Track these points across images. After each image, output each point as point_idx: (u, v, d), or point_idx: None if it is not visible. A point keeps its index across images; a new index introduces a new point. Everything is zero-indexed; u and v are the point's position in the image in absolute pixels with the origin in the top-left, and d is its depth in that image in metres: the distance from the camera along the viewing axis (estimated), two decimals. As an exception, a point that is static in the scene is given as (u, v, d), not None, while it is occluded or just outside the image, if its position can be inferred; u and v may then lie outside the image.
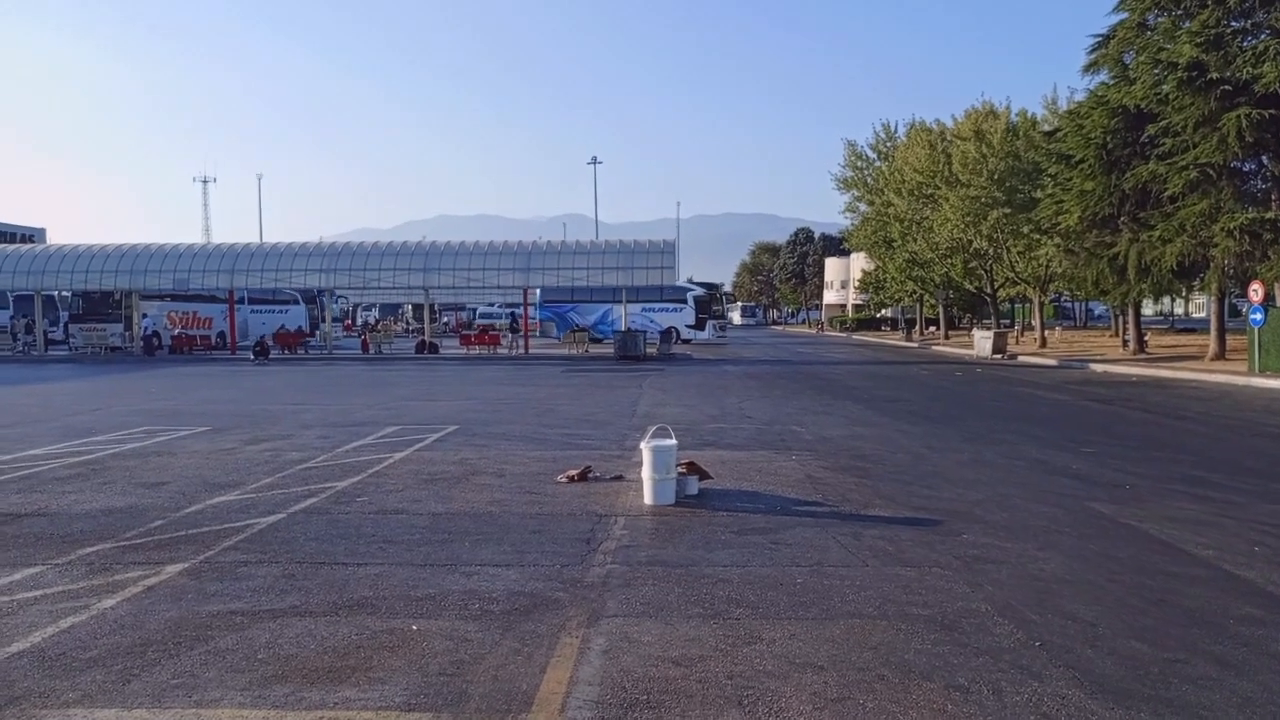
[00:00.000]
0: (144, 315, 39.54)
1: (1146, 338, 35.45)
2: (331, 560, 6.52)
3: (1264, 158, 26.21)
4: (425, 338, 41.12)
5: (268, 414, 16.15)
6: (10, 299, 44.12)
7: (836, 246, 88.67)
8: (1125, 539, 7.14)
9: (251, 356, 35.29)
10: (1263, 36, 24.93)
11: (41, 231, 72.61)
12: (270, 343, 38.06)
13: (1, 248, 41.89)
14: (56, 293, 41.71)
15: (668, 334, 40.73)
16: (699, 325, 50.56)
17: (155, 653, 4.75)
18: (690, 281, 59.89)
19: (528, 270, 37.71)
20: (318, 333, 46.48)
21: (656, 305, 50.38)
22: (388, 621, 5.23)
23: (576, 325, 49.43)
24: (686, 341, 48.81)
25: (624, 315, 46.99)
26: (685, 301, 51.12)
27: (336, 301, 57.14)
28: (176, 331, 41.26)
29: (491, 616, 5.30)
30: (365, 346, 40.54)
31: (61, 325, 42.74)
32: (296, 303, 48.95)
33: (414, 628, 5.12)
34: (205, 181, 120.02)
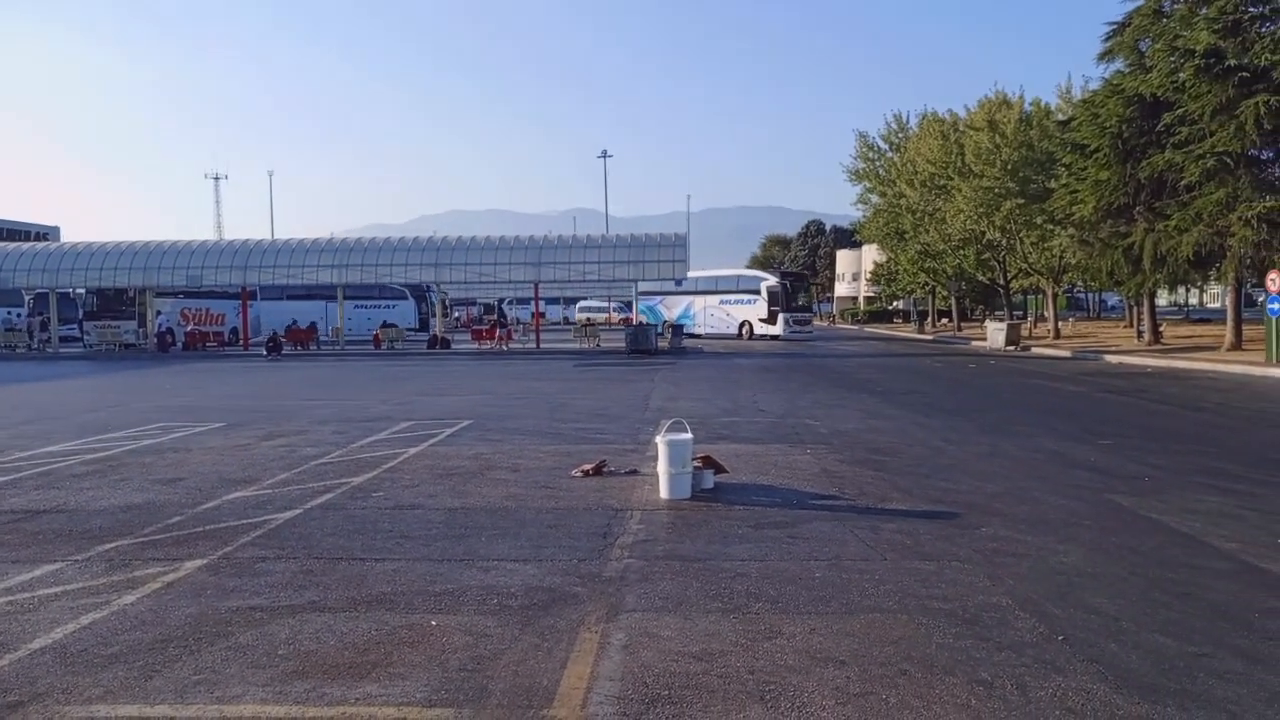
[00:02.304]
0: (158, 312, 39.75)
1: (1161, 328, 35.19)
2: (349, 556, 6.52)
3: (1282, 146, 25.95)
4: (437, 333, 41.20)
5: (282, 410, 16.20)
6: (26, 297, 44.44)
7: (848, 239, 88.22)
8: (1146, 532, 7.08)
9: (264, 352, 35.45)
10: (1280, 23, 24.67)
11: (55, 230, 73.04)
12: (282, 338, 38.23)
13: (16, 246, 42.21)
14: (71, 290, 41.95)
15: (679, 329, 40.14)
16: (771, 319, 43.97)
17: (176, 649, 4.76)
18: (775, 268, 56.55)
19: (539, 265, 37.68)
20: (425, 328, 45.33)
21: (732, 297, 45.99)
22: (406, 617, 5.22)
23: (665, 320, 47.06)
24: (775, 338, 42.98)
25: (703, 308, 45.70)
26: (758, 292, 45.16)
27: (435, 296, 55.82)
28: (190, 328, 41.49)
29: (510, 612, 5.29)
30: (377, 342, 40.64)
31: (78, 323, 43.04)
32: (405, 298, 47.34)
33: (433, 623, 5.11)
34: (217, 179, 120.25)
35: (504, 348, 39.12)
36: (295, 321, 43.78)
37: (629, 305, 52.95)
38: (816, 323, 57.99)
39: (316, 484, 9.15)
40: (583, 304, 69.73)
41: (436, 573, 6.08)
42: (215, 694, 4.20)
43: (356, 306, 45.63)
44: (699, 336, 46.14)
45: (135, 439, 12.57)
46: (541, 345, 39.70)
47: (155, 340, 38.89)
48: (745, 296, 45.68)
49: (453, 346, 40.02)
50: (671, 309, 48.02)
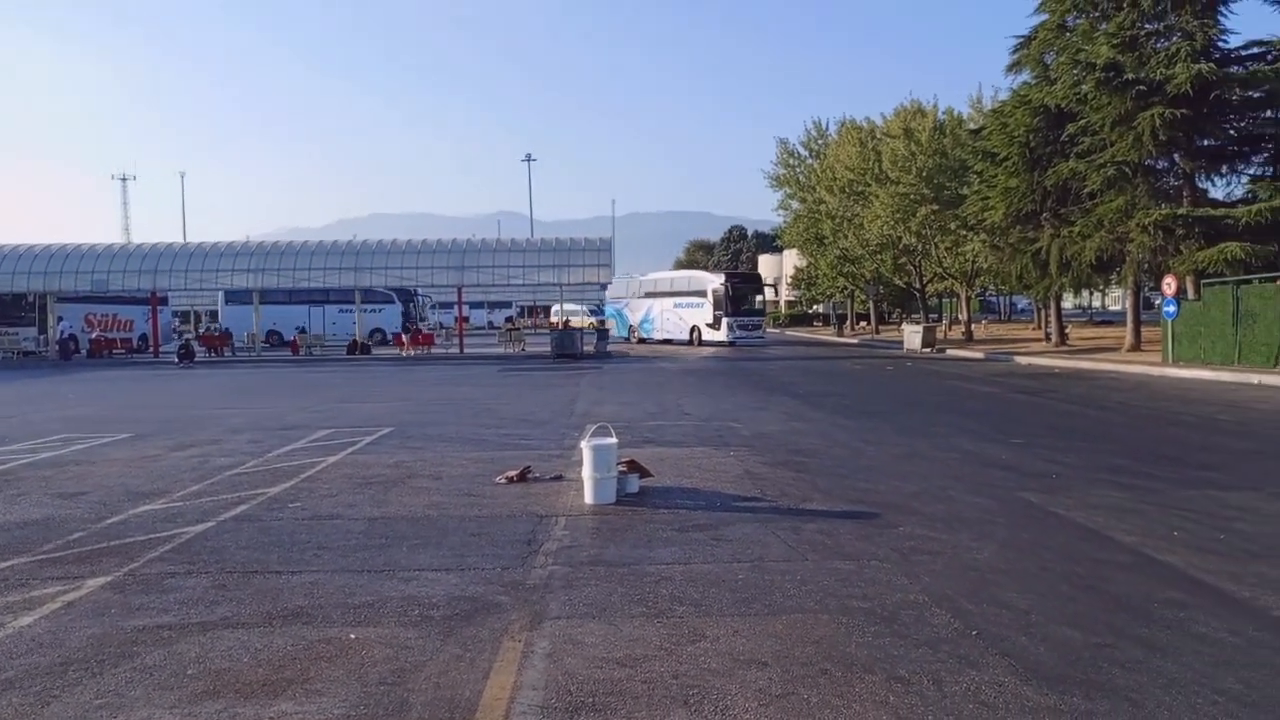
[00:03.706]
0: (59, 318, 37.99)
1: (1067, 330, 36.59)
2: (264, 569, 6.33)
3: (1176, 156, 27.31)
4: (357, 338, 40.35)
5: (194, 418, 15.65)
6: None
7: (769, 244, 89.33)
8: (1054, 527, 7.35)
9: (176, 360, 34.22)
10: (1174, 39, 25.98)
11: (-53, 231, 69.32)
12: (196, 344, 36.96)
13: (-97, 248, 39.79)
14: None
15: (604, 333, 39.99)
16: (715, 324, 40.58)
17: (76, 672, 4.55)
18: (726, 267, 55.06)
19: (462, 269, 37.23)
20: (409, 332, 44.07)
21: (684, 300, 43.34)
22: (324, 631, 5.09)
23: (629, 324, 46.32)
24: (726, 344, 39.71)
25: (661, 313, 44.36)
26: (705, 295, 41.65)
27: (422, 300, 53.41)
28: (95, 334, 39.77)
29: (432, 622, 5.21)
30: (295, 348, 39.58)
31: None
32: (392, 301, 46.01)
33: (352, 636, 4.99)
34: (125, 179, 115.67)
35: (427, 351, 38.55)
36: (226, 328, 42.31)
37: (601, 309, 52.22)
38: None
39: (230, 495, 8.86)
40: (555, 308, 70.47)
41: (356, 584, 5.95)
42: (119, 718, 4.02)
43: (340, 310, 44.48)
44: (666, 342, 44.08)
45: (33, 451, 11.99)
46: (465, 350, 39.23)
47: (57, 347, 37.16)
48: (695, 299, 42.62)
49: (373, 352, 39.28)
50: (635, 313, 46.88)
